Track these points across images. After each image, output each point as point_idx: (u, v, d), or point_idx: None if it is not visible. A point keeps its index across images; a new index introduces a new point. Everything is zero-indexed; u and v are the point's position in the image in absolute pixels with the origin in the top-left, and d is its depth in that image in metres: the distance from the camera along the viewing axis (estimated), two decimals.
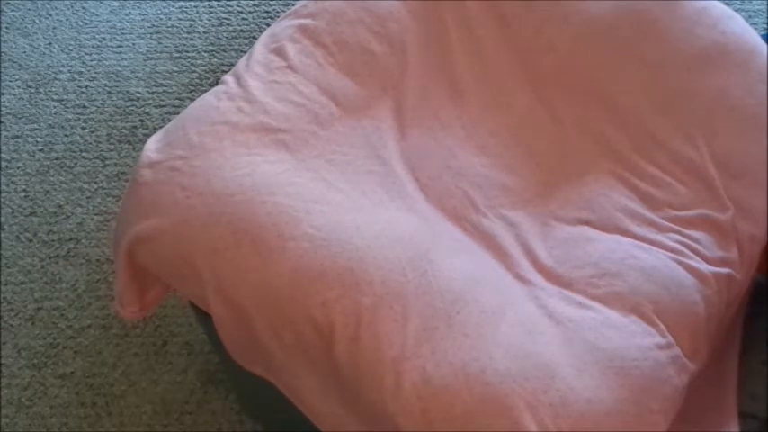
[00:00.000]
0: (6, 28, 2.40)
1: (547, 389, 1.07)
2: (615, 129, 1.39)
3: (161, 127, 1.36)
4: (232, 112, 1.29)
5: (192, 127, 1.28)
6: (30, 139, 2.14)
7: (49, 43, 2.35)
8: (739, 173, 1.31)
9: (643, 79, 1.40)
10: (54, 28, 2.39)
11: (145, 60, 2.30)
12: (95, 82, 2.25)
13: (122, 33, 2.37)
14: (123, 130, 2.15)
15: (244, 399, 1.64)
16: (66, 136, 2.15)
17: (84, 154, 2.11)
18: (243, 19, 2.39)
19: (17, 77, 2.27)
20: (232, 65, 1.97)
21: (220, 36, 2.35)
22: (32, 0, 2.47)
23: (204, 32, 2.36)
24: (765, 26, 2.29)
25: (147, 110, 2.19)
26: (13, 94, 2.24)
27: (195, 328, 1.78)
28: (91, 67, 2.29)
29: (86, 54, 2.32)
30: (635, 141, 1.37)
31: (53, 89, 2.24)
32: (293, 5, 1.49)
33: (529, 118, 1.43)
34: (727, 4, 1.49)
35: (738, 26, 1.43)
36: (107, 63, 2.30)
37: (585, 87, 1.42)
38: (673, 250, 1.24)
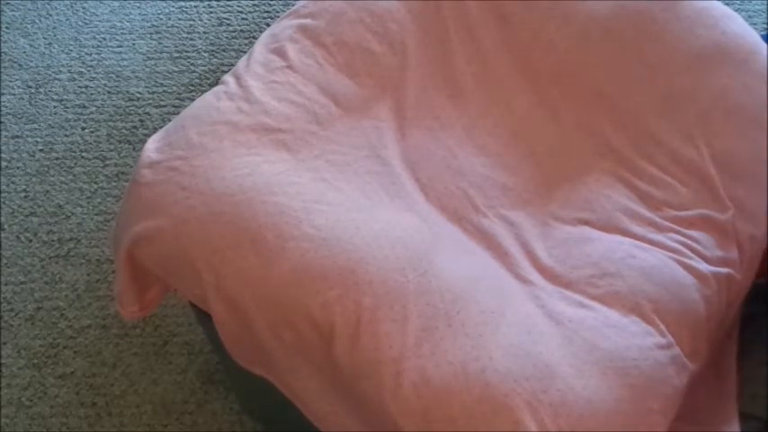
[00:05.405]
0: (6, 28, 2.39)
1: (547, 389, 1.06)
2: (615, 129, 1.39)
3: (161, 127, 1.36)
4: (232, 112, 1.29)
5: (192, 127, 1.28)
6: (30, 139, 2.14)
7: (49, 43, 2.35)
8: (739, 173, 1.31)
9: (643, 79, 1.40)
10: (54, 28, 2.39)
11: (145, 60, 2.30)
12: (95, 82, 2.25)
13: (122, 33, 2.37)
14: (123, 130, 2.15)
15: (244, 399, 1.64)
16: (66, 136, 2.15)
17: (84, 154, 2.11)
18: (243, 19, 2.39)
19: (17, 77, 2.27)
20: (232, 65, 1.97)
21: (220, 36, 2.35)
22: (32, 0, 2.46)
23: (204, 32, 2.36)
24: (765, 26, 2.29)
25: (147, 110, 2.19)
26: (13, 94, 2.24)
27: (195, 328, 1.78)
28: (91, 67, 2.29)
29: (86, 54, 2.32)
30: (635, 141, 1.37)
31: (53, 89, 2.24)
32: (293, 5, 1.49)
33: (529, 118, 1.42)
34: (727, 4, 1.49)
35: (738, 26, 1.43)
36: (107, 63, 2.30)
37: (585, 87, 1.42)
38: (673, 250, 1.24)
